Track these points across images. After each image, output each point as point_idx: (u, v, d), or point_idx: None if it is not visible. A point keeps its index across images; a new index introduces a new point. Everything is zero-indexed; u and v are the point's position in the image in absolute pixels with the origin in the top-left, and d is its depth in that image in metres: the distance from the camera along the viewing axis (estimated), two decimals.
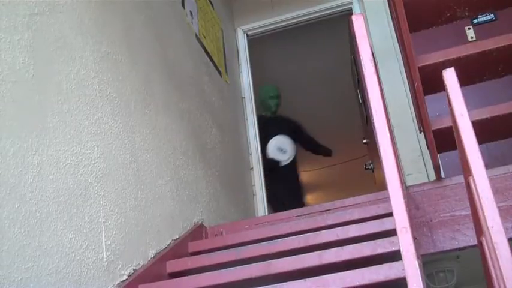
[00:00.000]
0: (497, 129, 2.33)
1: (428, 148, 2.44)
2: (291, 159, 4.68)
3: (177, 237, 2.50)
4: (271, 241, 2.26)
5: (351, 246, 1.98)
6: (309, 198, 7.63)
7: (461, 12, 2.31)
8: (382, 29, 4.20)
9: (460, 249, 2.32)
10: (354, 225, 2.19)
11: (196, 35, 3.58)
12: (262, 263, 2.04)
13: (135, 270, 2.06)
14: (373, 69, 1.56)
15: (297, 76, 6.13)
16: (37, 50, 1.81)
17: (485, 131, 2.11)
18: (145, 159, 2.40)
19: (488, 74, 2.34)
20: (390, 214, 1.40)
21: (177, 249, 2.41)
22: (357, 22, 1.65)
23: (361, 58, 1.59)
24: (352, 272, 1.77)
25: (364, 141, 4.48)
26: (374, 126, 1.49)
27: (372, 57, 1.59)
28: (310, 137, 5.09)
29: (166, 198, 2.51)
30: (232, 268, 2.07)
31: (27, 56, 1.75)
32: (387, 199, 1.41)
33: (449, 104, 1.50)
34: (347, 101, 5.59)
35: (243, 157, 4.15)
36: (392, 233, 1.72)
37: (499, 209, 1.29)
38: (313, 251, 2.03)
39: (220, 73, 3.96)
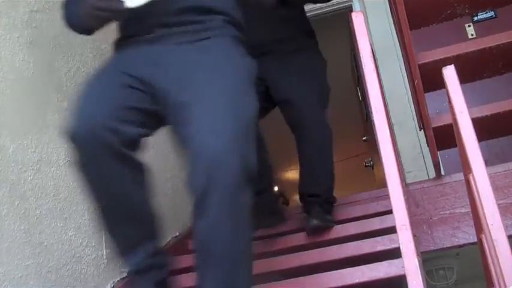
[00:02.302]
0: (497, 126, 2.32)
1: (428, 145, 2.44)
2: None
3: (177, 234, 2.50)
4: (271, 239, 2.26)
5: (351, 243, 1.99)
6: None
7: (462, 9, 2.30)
8: (382, 26, 4.19)
9: (459, 246, 2.32)
10: (353, 222, 2.20)
11: None
12: (262, 260, 2.04)
13: None
14: (373, 66, 1.56)
15: None
16: (37, 48, 1.81)
17: (485, 128, 2.10)
18: (146, 156, 2.39)
19: (488, 71, 2.34)
20: (390, 211, 1.40)
21: (177, 247, 2.41)
22: (357, 19, 1.65)
23: (361, 55, 1.59)
24: (352, 269, 1.78)
25: (364, 138, 4.48)
26: (374, 124, 1.49)
27: (371, 55, 1.59)
28: None
29: (167, 196, 2.51)
30: None
31: (26, 53, 1.74)
32: (387, 197, 1.41)
33: (449, 102, 1.50)
34: (347, 98, 5.59)
35: None
36: (392, 230, 1.73)
37: (499, 206, 1.29)
38: (313, 248, 2.03)
39: None
